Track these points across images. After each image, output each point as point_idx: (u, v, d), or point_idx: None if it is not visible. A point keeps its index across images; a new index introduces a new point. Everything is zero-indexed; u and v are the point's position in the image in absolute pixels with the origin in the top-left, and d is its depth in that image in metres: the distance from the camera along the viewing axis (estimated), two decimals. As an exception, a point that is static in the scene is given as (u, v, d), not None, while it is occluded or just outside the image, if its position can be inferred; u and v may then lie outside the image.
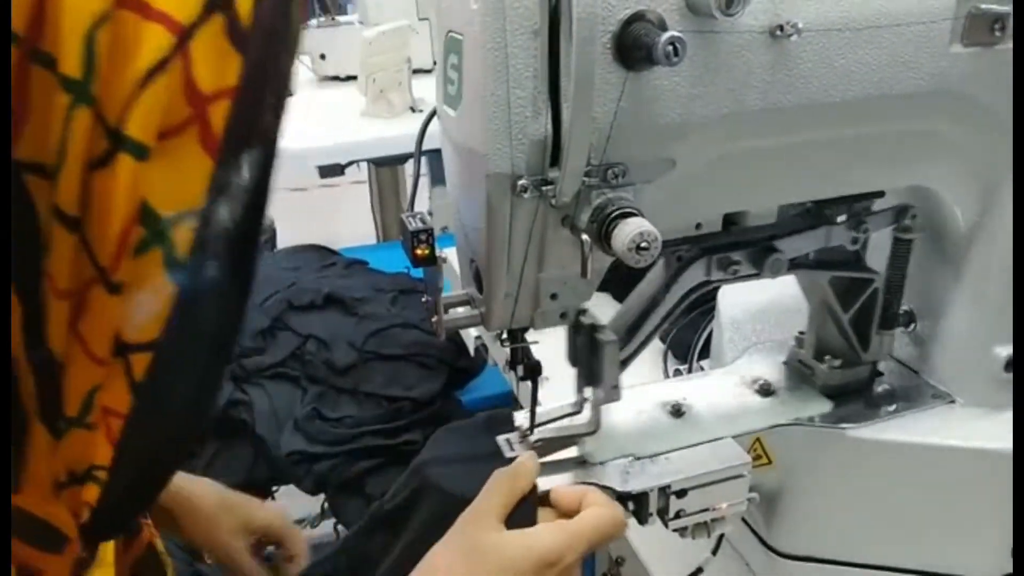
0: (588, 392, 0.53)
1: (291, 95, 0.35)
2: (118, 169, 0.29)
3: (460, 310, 0.50)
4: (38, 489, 0.34)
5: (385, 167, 2.36)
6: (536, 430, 0.54)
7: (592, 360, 0.51)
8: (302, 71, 2.22)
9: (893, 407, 0.59)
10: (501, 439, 0.56)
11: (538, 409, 0.54)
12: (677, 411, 0.57)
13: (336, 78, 2.14)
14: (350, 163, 1.86)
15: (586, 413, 0.55)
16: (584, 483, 0.52)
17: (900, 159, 0.51)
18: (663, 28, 0.38)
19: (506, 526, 0.46)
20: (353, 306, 1.20)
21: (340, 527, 1.13)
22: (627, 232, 0.40)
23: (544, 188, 0.41)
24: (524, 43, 0.39)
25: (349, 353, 1.12)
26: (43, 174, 0.29)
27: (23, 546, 0.34)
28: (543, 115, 0.40)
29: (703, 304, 0.83)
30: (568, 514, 0.48)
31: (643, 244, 0.40)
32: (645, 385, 0.61)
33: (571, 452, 0.55)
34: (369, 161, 2.02)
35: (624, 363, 0.53)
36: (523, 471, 0.48)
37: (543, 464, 0.52)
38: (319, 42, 2.13)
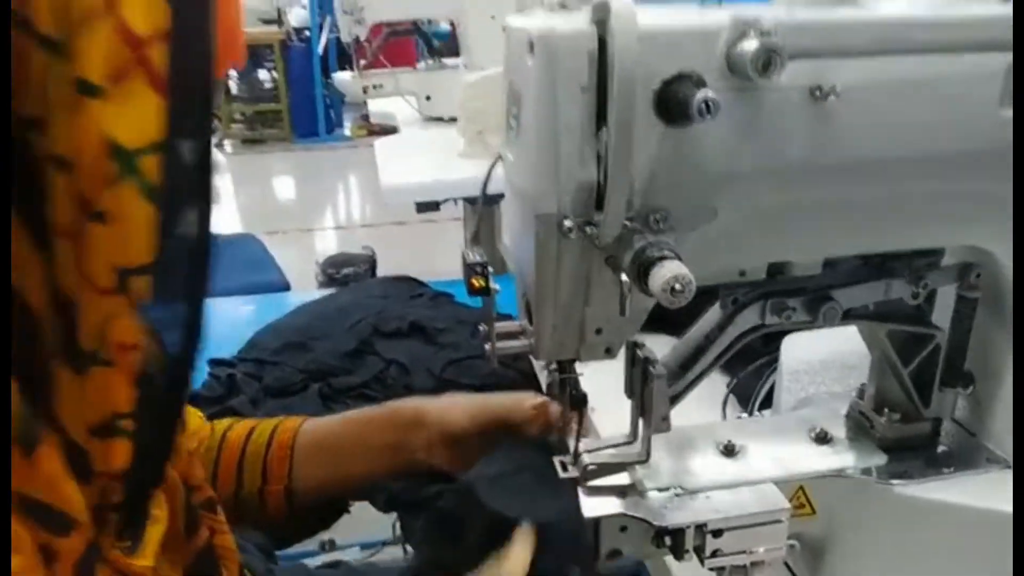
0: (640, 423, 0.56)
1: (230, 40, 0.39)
2: (87, 108, 0.34)
3: (513, 342, 0.54)
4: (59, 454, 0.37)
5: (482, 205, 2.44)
6: (589, 455, 0.57)
7: (644, 392, 0.54)
8: (408, 111, 2.33)
9: (949, 468, 0.58)
10: (556, 460, 0.59)
11: (594, 437, 0.57)
12: (730, 450, 0.58)
13: (440, 119, 2.23)
14: (445, 200, 1.94)
15: (639, 443, 0.57)
16: (627, 515, 0.54)
17: (949, 218, 0.51)
18: (702, 86, 0.41)
19: None
20: (435, 335, 1.25)
21: (407, 547, 1.17)
22: (663, 275, 0.42)
23: (588, 230, 0.44)
24: (573, 98, 0.42)
25: (428, 380, 1.17)
26: (39, 129, 0.34)
27: (40, 530, 0.37)
28: (589, 163, 0.43)
29: (768, 354, 0.84)
30: None
31: (677, 287, 0.42)
32: (703, 422, 0.63)
33: (622, 479, 0.57)
34: (464, 199, 2.10)
35: (675, 399, 0.56)
36: None
37: (596, 487, 0.56)
38: (425, 84, 2.24)
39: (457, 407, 0.70)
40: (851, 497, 0.57)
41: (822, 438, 0.61)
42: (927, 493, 0.55)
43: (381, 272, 2.74)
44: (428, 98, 2.24)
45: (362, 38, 2.13)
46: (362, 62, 2.29)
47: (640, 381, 0.54)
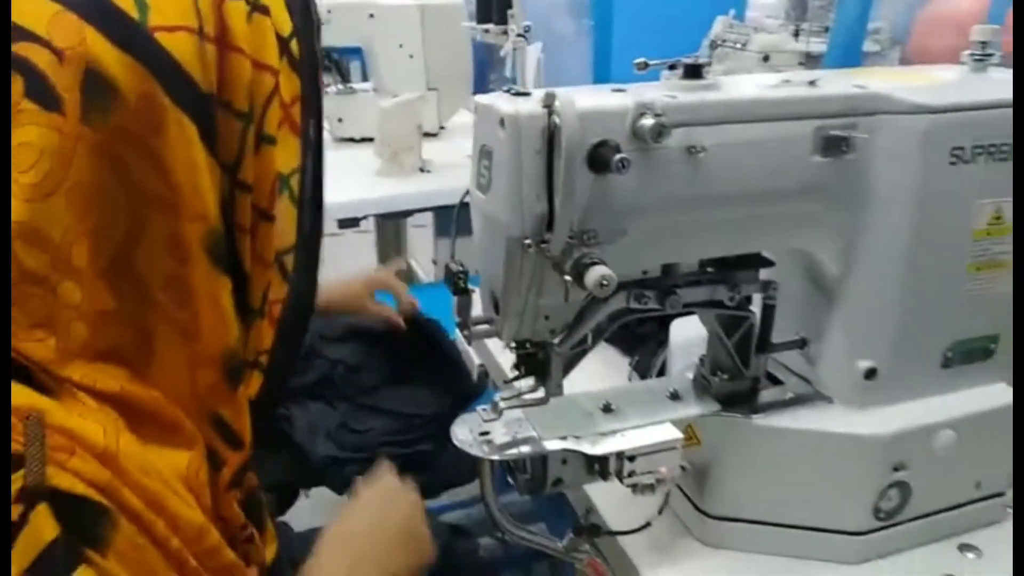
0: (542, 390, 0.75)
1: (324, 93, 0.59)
2: (264, 152, 0.53)
3: (483, 327, 0.73)
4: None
5: (390, 220, 2.60)
6: (503, 403, 0.75)
7: (544, 364, 0.74)
8: (321, 132, 2.47)
9: (790, 405, 0.81)
10: (479, 409, 0.78)
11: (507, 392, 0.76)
12: (608, 408, 0.79)
13: (352, 139, 2.39)
14: (365, 217, 2.10)
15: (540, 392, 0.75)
16: (567, 450, 0.74)
17: (783, 231, 0.74)
18: (618, 151, 0.61)
19: None
20: (376, 338, 1.42)
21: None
22: (594, 275, 0.62)
23: (542, 246, 0.64)
24: (531, 157, 0.62)
25: (373, 376, 1.34)
26: (227, 169, 0.52)
27: (220, 442, 0.54)
28: (543, 201, 0.63)
29: (660, 335, 1.07)
30: None
31: (604, 282, 0.62)
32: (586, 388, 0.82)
33: (526, 432, 0.76)
34: (381, 216, 2.26)
35: (567, 369, 0.75)
36: None
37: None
38: (337, 107, 2.39)
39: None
40: (724, 430, 0.79)
41: (675, 396, 0.82)
42: (777, 423, 0.78)
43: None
44: (340, 120, 2.39)
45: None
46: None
47: (541, 357, 0.74)
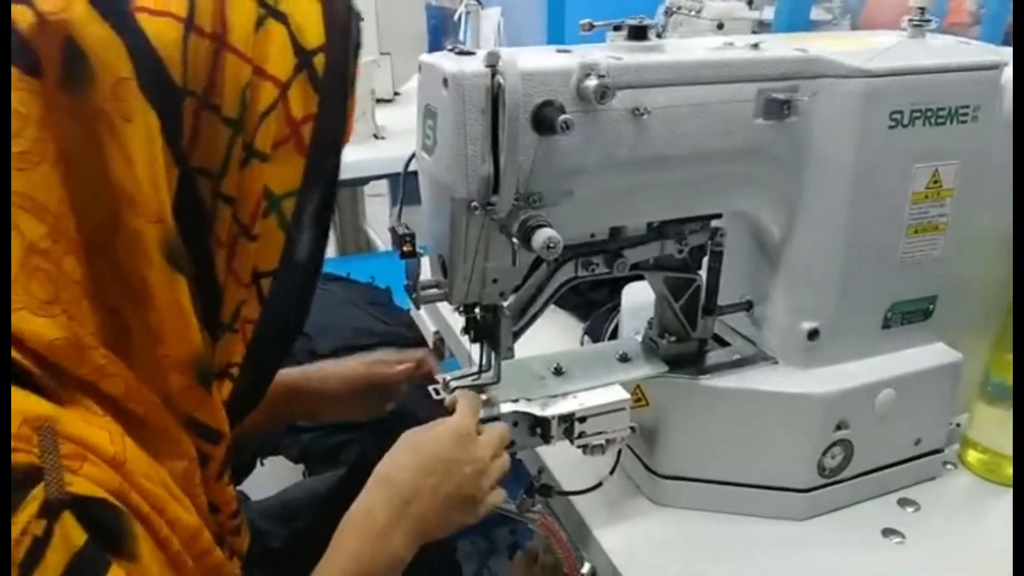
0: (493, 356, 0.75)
1: (349, 120, 0.56)
2: (252, 167, 0.51)
3: (432, 290, 0.73)
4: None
5: (346, 188, 2.57)
6: (456, 381, 0.76)
7: (495, 330, 0.74)
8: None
9: (736, 366, 0.82)
10: (431, 388, 0.78)
11: (455, 371, 0.77)
12: (558, 371, 0.79)
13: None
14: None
15: (492, 371, 0.76)
16: (517, 411, 0.75)
17: (725, 193, 0.75)
18: (562, 111, 0.61)
19: None
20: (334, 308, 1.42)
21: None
22: (541, 237, 0.62)
23: (488, 208, 0.64)
24: (476, 116, 0.61)
25: (332, 341, 1.33)
26: (209, 175, 0.50)
27: (201, 442, 0.54)
28: (488, 162, 0.63)
29: (612, 300, 1.08)
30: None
31: (551, 244, 0.62)
32: (536, 353, 0.83)
33: (482, 396, 0.76)
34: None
35: (517, 334, 0.75)
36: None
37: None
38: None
39: (336, 377, 0.89)
40: (672, 391, 0.80)
41: (624, 358, 0.83)
42: (724, 383, 0.79)
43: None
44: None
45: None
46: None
47: (492, 323, 0.73)
